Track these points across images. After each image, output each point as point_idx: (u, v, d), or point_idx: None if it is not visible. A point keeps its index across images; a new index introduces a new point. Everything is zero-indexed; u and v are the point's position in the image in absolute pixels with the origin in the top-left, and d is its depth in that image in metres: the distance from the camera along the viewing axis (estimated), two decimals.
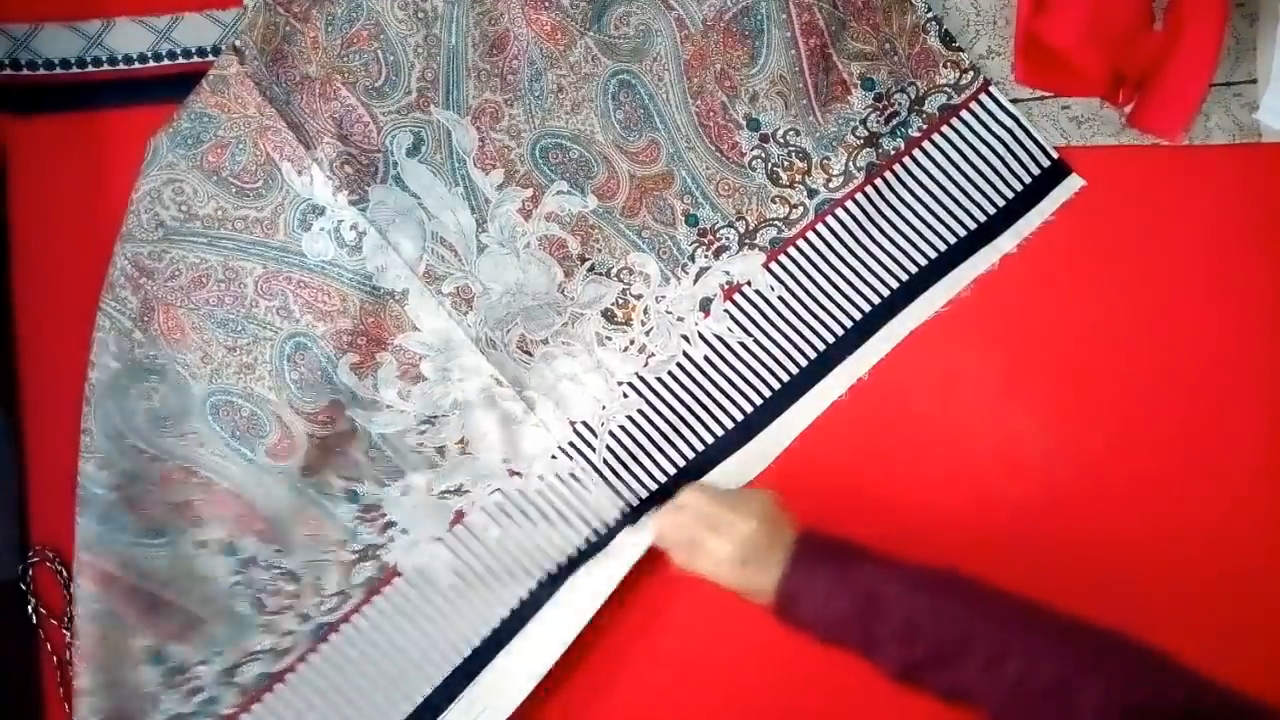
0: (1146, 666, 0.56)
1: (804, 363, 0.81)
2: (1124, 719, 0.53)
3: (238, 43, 0.78)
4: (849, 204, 0.82)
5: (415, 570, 0.79)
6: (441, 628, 0.78)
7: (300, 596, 0.78)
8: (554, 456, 0.79)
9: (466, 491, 0.79)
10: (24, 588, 0.81)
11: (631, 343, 0.81)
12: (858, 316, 0.81)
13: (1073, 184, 0.81)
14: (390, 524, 0.79)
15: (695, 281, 0.81)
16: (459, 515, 0.79)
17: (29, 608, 0.80)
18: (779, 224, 0.82)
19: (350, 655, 0.77)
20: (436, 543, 0.78)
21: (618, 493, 0.79)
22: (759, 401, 0.81)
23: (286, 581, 0.77)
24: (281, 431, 0.77)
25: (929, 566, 0.64)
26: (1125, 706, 0.53)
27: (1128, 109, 0.76)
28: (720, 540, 0.68)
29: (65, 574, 0.81)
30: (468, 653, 0.78)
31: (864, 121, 0.81)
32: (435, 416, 0.78)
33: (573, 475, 0.79)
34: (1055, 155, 0.81)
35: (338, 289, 0.77)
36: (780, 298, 0.82)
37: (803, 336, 0.81)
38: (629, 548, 0.77)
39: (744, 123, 0.81)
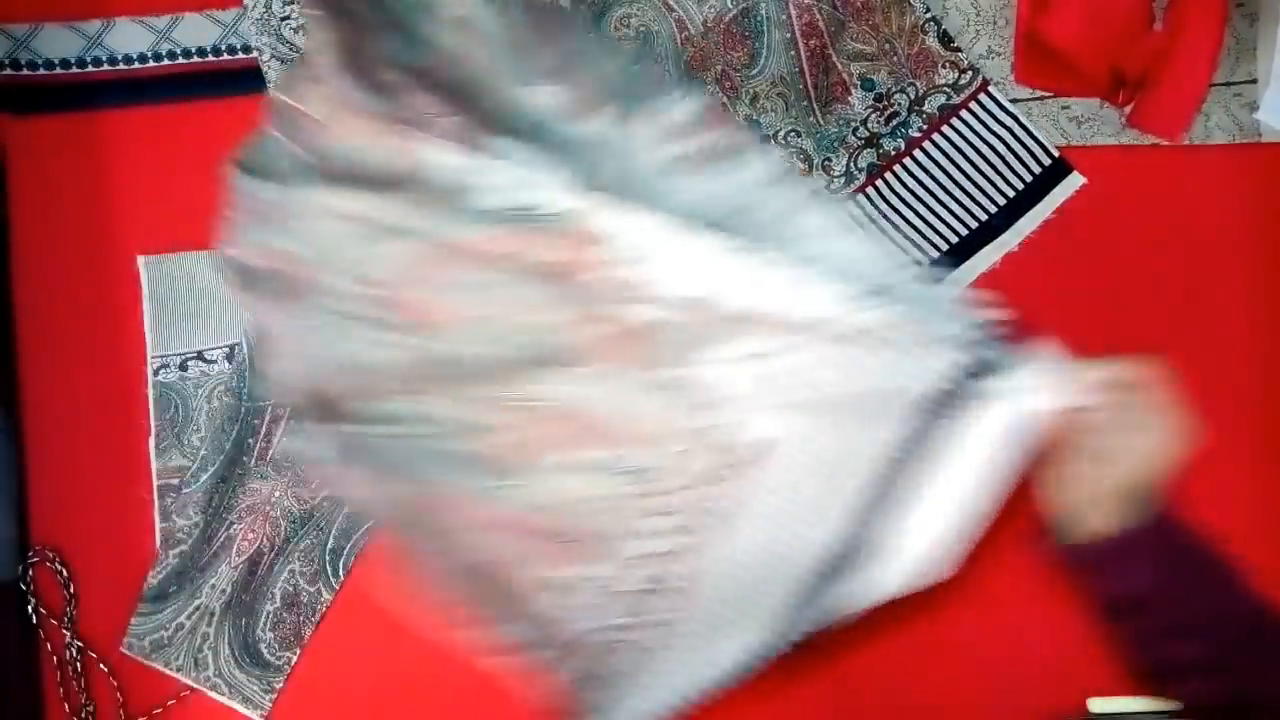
0: None
1: None
2: None
3: (312, 68, 0.75)
4: (851, 205, 0.82)
5: (761, 441, 0.72)
6: (805, 490, 0.72)
7: (653, 494, 0.74)
8: None
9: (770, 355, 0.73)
10: (24, 588, 0.80)
11: None
12: None
13: (1074, 182, 0.81)
14: (719, 403, 0.73)
15: None
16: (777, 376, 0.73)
17: (29, 608, 0.80)
18: None
19: (726, 545, 0.73)
20: (776, 411, 0.72)
21: None
22: None
23: (640, 482, 0.74)
24: (571, 349, 0.74)
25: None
26: None
27: (1128, 109, 0.76)
28: (1119, 451, 0.58)
29: (65, 574, 0.81)
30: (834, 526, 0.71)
31: (864, 122, 0.81)
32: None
33: None
34: (1056, 153, 0.81)
35: (523, 231, 0.73)
36: None
37: None
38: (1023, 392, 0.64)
39: (744, 124, 0.81)
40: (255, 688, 0.79)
